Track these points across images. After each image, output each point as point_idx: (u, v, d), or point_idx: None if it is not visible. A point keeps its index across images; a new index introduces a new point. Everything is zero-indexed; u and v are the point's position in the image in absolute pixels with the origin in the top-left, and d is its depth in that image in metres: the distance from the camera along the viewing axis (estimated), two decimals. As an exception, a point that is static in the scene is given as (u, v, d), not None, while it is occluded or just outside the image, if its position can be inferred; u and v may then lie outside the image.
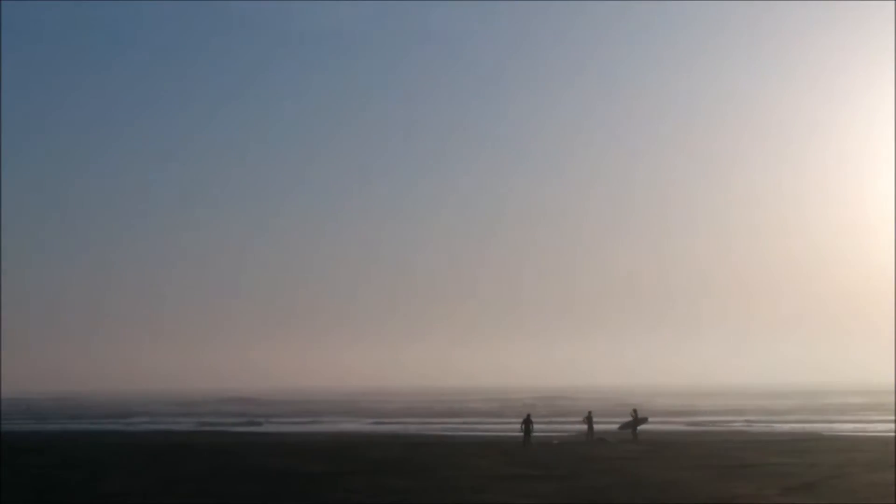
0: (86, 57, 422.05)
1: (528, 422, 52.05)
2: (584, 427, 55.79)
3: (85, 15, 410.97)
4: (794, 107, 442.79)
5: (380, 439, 58.48)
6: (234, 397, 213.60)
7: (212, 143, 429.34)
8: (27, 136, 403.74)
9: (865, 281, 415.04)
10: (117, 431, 79.40)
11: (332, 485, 28.88)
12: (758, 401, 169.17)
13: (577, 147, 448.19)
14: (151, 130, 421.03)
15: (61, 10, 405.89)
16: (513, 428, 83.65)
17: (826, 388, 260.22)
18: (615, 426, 62.60)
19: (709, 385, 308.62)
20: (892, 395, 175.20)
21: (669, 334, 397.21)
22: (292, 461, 37.20)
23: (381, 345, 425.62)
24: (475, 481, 29.49)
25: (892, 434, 64.73)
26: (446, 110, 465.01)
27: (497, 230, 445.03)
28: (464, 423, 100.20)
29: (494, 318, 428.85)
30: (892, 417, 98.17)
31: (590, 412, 56.95)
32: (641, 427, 57.57)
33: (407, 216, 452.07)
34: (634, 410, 58.21)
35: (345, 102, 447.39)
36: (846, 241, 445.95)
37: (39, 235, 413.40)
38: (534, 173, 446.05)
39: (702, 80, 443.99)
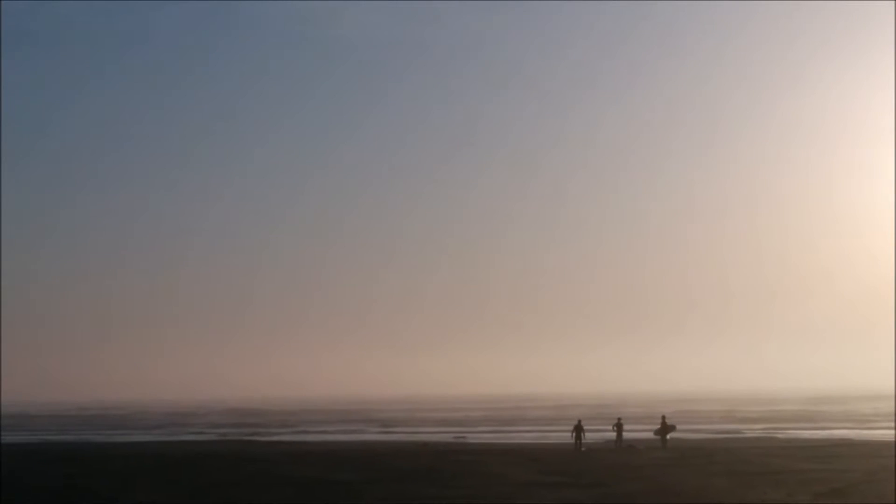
0: (87, 58, 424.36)
1: (579, 428, 53.02)
2: (613, 434, 56.17)
3: (85, 15, 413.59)
4: (794, 107, 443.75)
5: (406, 448, 58.99)
6: (251, 406, 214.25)
7: (219, 144, 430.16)
8: (27, 141, 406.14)
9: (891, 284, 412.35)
10: (138, 442, 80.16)
11: (360, 493, 29.50)
12: (784, 406, 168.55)
13: (594, 151, 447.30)
14: (156, 133, 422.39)
15: (60, 10, 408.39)
16: (538, 435, 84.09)
17: (853, 393, 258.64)
18: (644, 433, 62.94)
19: (734, 391, 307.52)
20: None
21: (693, 340, 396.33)
22: (319, 470, 37.73)
23: (400, 352, 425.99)
24: (503, 489, 30.03)
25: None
26: (461, 111, 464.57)
27: (515, 234, 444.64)
28: (490, 430, 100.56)
29: (517, 324, 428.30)
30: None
31: (619, 419, 57.31)
32: (670, 434, 57.85)
33: (423, 219, 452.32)
34: (663, 417, 58.46)
35: (357, 104, 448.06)
36: (865, 243, 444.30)
37: (41, 241, 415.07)
38: (551, 176, 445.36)
39: (702, 81, 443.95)
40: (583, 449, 52.66)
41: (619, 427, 55.60)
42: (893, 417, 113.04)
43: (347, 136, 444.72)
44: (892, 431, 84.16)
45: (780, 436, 78.48)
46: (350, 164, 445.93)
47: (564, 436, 76.20)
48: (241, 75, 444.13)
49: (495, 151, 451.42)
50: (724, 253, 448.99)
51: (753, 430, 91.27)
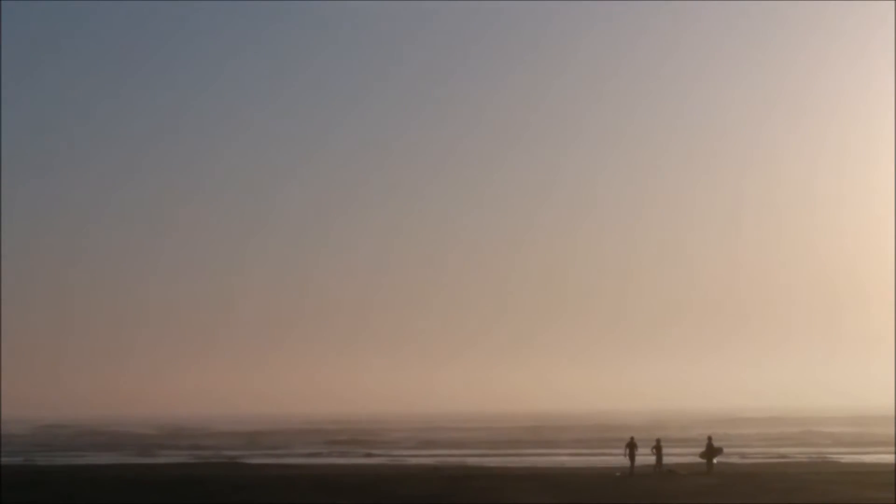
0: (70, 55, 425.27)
1: (632, 445, 52.99)
2: (652, 457, 55.79)
3: (76, 10, 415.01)
4: (793, 107, 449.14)
5: (414, 472, 58.76)
6: (235, 426, 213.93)
7: (199, 128, 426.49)
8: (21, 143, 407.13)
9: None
10: (112, 464, 79.99)
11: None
12: (846, 427, 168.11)
13: (630, 138, 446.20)
14: (125, 123, 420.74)
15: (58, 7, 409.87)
16: (564, 459, 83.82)
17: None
18: (688, 457, 62.57)
19: (788, 410, 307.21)
20: None
21: (743, 354, 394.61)
22: (315, 498, 37.51)
23: (403, 364, 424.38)
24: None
25: None
26: (476, 91, 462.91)
27: (535, 232, 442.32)
28: (509, 453, 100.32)
29: (539, 333, 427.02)
30: None
31: (658, 440, 56.87)
32: (717, 458, 57.41)
33: (429, 213, 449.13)
34: (709, 439, 58.05)
35: (356, 83, 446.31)
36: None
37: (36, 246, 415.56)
38: (578, 166, 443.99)
39: (703, 81, 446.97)
40: (617, 474, 52.30)
41: (657, 449, 55.27)
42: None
43: (343, 120, 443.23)
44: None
45: (840, 460, 78.05)
46: (346, 151, 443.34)
47: (593, 459, 75.97)
48: (219, 50, 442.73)
49: (514, 136, 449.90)
50: (777, 259, 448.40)
51: (809, 454, 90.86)
